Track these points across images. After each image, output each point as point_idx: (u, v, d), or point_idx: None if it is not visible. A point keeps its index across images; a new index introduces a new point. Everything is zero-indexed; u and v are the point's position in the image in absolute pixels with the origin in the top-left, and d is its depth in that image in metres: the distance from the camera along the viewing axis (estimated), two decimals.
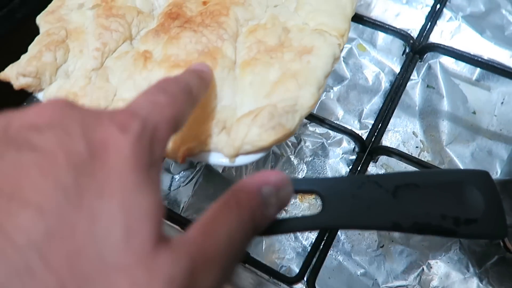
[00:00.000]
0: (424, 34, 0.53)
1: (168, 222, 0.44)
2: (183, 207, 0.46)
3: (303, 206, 0.46)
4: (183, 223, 0.42)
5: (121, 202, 0.17)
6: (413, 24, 0.58)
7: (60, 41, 0.35)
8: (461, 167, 0.47)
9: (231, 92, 0.32)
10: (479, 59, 0.48)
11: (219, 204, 0.21)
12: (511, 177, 0.30)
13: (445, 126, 0.50)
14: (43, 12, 0.38)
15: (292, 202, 0.46)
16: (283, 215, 0.45)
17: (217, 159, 0.31)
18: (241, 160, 0.30)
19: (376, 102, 0.52)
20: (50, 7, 0.38)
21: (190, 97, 0.24)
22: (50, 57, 0.34)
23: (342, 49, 0.35)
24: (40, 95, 0.35)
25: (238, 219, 0.20)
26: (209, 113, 0.31)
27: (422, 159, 0.48)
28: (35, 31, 0.37)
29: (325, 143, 0.50)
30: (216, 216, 0.20)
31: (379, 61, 0.56)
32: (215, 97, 0.32)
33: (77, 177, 0.16)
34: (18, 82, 0.33)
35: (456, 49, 0.49)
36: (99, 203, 0.16)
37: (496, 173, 0.46)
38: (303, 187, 0.28)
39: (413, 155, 0.48)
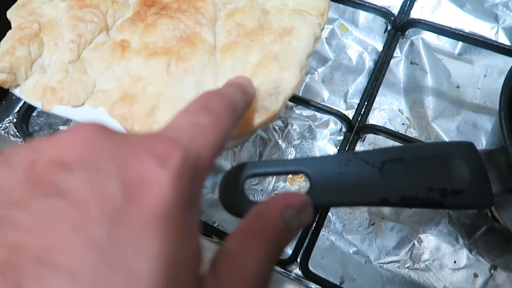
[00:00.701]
0: (405, 10, 0.53)
1: None
2: None
3: (293, 189, 0.46)
4: None
5: (162, 257, 0.15)
6: (393, 1, 0.57)
7: (33, 35, 0.34)
8: (447, 141, 0.47)
9: (213, 78, 0.32)
10: (461, 33, 0.48)
11: (243, 232, 0.20)
12: (496, 147, 0.30)
13: (430, 102, 0.50)
14: (13, 6, 0.37)
15: (282, 186, 0.46)
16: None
17: None
18: (230, 144, 0.30)
19: (361, 81, 0.52)
20: (20, 0, 0.37)
21: (235, 114, 0.22)
22: (23, 51, 0.33)
23: (323, 28, 0.34)
24: (16, 91, 0.34)
25: (265, 250, 0.19)
26: (191, 100, 0.30)
27: (409, 135, 0.48)
28: (7, 27, 0.36)
29: (312, 125, 0.50)
30: (243, 248, 0.19)
31: (362, 40, 0.55)
32: (197, 83, 0.31)
33: (112, 228, 0.14)
34: None
35: (437, 23, 0.49)
36: (138, 261, 0.14)
37: (482, 144, 0.46)
38: (290, 168, 0.28)
39: (399, 131, 0.49)
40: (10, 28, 0.35)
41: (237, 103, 0.23)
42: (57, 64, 0.34)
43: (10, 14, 0.36)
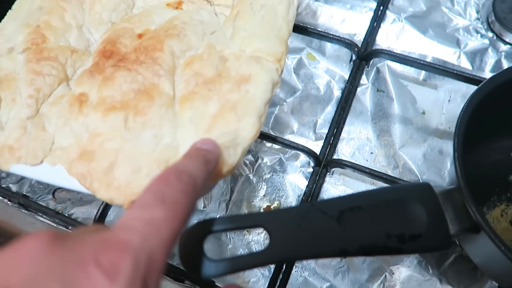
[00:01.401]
0: (369, 40, 0.54)
1: None
2: None
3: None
4: None
5: None
6: (358, 29, 0.59)
7: None
8: (415, 169, 0.48)
9: (172, 130, 0.32)
10: (422, 62, 0.49)
11: None
12: (452, 186, 0.31)
13: (397, 130, 0.51)
14: None
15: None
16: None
17: None
18: None
19: (329, 111, 0.53)
20: None
21: (194, 195, 0.22)
22: None
23: (281, 73, 0.35)
24: None
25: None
26: (150, 155, 0.30)
27: (377, 164, 0.49)
28: None
29: (283, 158, 0.50)
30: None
31: (329, 69, 0.56)
32: (155, 137, 0.31)
33: None
34: None
35: (399, 54, 0.50)
36: None
37: (448, 172, 0.47)
38: (249, 223, 0.28)
39: (368, 161, 0.49)
40: None
41: (197, 179, 0.22)
42: (15, 121, 0.33)
43: None
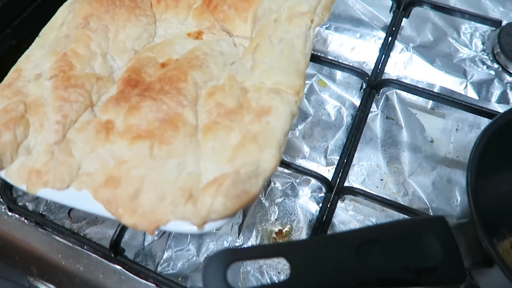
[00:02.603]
0: (379, 68, 0.55)
1: (143, 281, 0.44)
2: (158, 262, 0.46)
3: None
4: (158, 280, 0.42)
5: None
6: (368, 57, 0.60)
7: (19, 117, 0.35)
8: (424, 197, 0.49)
9: (195, 158, 0.33)
10: (430, 92, 0.50)
11: None
12: (465, 220, 0.32)
13: (406, 157, 0.52)
14: None
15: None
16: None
17: (186, 228, 0.31)
18: (209, 227, 0.31)
19: (340, 137, 0.54)
20: (6, 79, 0.38)
21: None
22: (9, 136, 0.33)
23: (299, 104, 0.36)
24: (1, 174, 0.34)
25: None
26: (173, 183, 0.31)
27: (387, 191, 0.50)
28: None
29: (294, 183, 0.51)
30: None
31: (340, 95, 0.58)
32: (179, 165, 0.32)
33: None
34: None
35: (408, 84, 0.52)
36: None
37: (457, 200, 0.48)
38: (272, 253, 0.29)
39: (378, 187, 0.50)
40: None
41: None
42: (42, 146, 0.34)
43: None
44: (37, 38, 0.41)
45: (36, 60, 0.39)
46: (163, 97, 0.35)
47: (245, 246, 0.47)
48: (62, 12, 0.42)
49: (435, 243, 0.30)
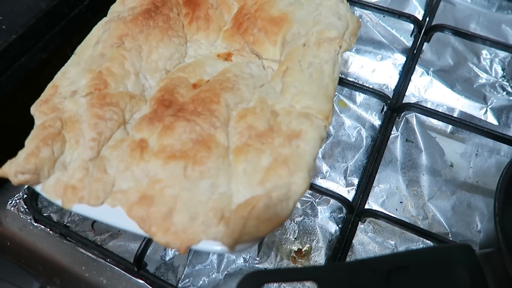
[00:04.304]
0: (400, 91, 0.56)
1: None
2: (179, 278, 0.46)
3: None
4: None
5: None
6: (388, 79, 0.61)
7: (57, 134, 0.36)
8: (443, 221, 0.49)
9: (226, 180, 0.34)
10: (450, 117, 0.51)
11: None
12: (491, 248, 0.32)
13: (425, 181, 0.52)
14: (37, 101, 0.39)
15: (285, 264, 0.47)
16: None
17: (217, 248, 0.32)
18: (240, 248, 0.32)
19: (359, 158, 0.55)
20: (43, 95, 0.39)
21: None
22: (47, 152, 0.34)
23: (328, 129, 0.37)
24: (37, 188, 0.35)
25: None
26: (206, 203, 0.32)
27: (406, 214, 0.50)
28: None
29: (314, 202, 0.52)
30: None
31: (360, 117, 0.58)
32: (212, 186, 0.33)
33: None
34: (17, 179, 0.34)
35: (429, 108, 0.53)
36: None
37: (477, 226, 0.48)
38: (302, 276, 0.29)
39: (397, 210, 0.51)
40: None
41: None
42: (77, 162, 0.35)
43: (34, 110, 0.38)
44: (73, 55, 0.43)
45: (72, 77, 0.40)
46: (196, 118, 0.36)
47: (265, 264, 0.48)
48: (97, 31, 0.44)
49: (462, 272, 0.30)
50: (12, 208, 0.50)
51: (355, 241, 0.49)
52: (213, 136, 0.35)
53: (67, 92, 0.39)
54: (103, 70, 0.40)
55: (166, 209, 0.32)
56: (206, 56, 0.44)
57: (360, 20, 0.67)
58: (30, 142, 0.35)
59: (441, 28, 0.60)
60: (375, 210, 0.47)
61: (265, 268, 0.48)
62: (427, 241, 0.46)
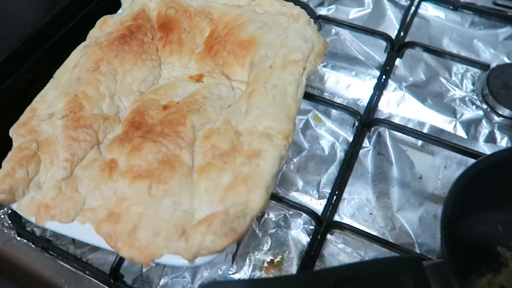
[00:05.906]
0: (371, 107, 0.58)
1: None
2: None
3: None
4: None
5: None
6: (362, 94, 0.64)
7: (32, 155, 0.38)
8: (410, 232, 0.51)
9: (189, 197, 0.36)
10: (418, 133, 0.53)
11: None
12: (440, 260, 0.34)
13: (395, 193, 0.54)
14: (15, 124, 0.41)
15: (257, 275, 0.49)
16: None
17: (178, 261, 0.34)
18: (200, 261, 0.34)
19: (332, 171, 0.57)
20: (22, 118, 0.42)
21: None
22: (22, 173, 0.37)
23: (288, 148, 0.39)
24: (13, 206, 0.38)
25: None
26: (169, 220, 0.34)
27: (375, 225, 0.52)
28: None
29: (287, 215, 0.53)
30: None
31: (334, 131, 0.60)
32: (175, 203, 0.35)
33: None
34: None
35: (397, 124, 0.55)
36: None
37: None
38: None
39: (367, 221, 0.53)
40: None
41: None
42: (51, 181, 0.38)
43: (12, 132, 0.41)
44: (51, 79, 0.45)
45: (50, 100, 0.43)
46: (163, 139, 0.38)
47: (239, 274, 0.50)
48: (75, 55, 0.46)
49: (409, 283, 0.32)
50: None
51: (325, 251, 0.51)
52: (178, 156, 0.37)
53: (45, 115, 0.42)
54: (78, 93, 0.42)
55: (131, 225, 0.34)
56: (178, 78, 0.46)
57: (336, 37, 0.70)
58: (6, 163, 0.38)
59: (412, 45, 0.62)
60: (343, 222, 0.49)
61: (238, 279, 0.49)
62: (392, 252, 0.48)
